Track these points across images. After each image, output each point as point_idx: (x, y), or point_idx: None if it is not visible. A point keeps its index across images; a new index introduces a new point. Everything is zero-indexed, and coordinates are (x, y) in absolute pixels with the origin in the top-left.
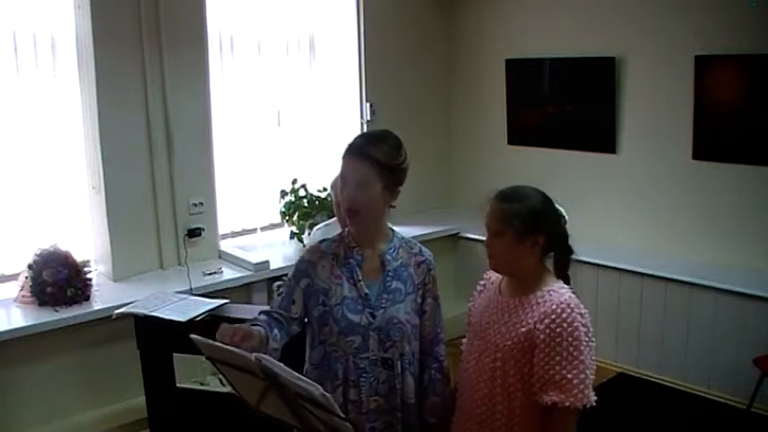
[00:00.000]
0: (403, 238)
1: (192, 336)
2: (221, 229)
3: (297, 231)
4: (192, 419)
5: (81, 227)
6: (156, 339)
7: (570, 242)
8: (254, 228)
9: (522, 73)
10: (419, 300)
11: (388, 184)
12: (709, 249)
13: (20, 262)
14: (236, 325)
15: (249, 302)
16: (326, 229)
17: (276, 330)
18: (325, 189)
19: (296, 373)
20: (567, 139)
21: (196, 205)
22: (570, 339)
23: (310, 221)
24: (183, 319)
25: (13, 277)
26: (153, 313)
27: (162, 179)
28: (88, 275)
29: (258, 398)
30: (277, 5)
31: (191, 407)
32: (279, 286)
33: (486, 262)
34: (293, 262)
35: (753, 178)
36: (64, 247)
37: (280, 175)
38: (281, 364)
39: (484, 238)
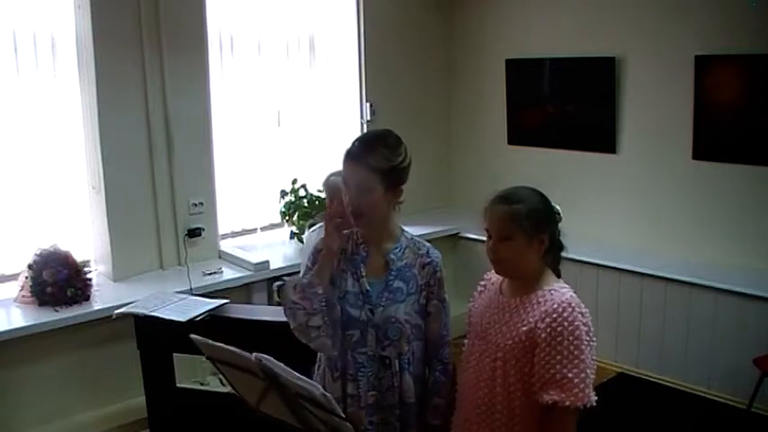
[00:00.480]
0: (412, 238)
1: (192, 336)
2: (221, 229)
3: (297, 231)
4: (192, 419)
5: (81, 227)
6: (156, 339)
7: (561, 238)
8: (254, 228)
9: (522, 73)
10: (423, 301)
11: (389, 185)
12: (709, 249)
13: (20, 262)
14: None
15: (249, 302)
16: (321, 229)
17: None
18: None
19: (296, 374)
20: (567, 139)
21: (196, 205)
22: (571, 338)
23: (310, 221)
24: (183, 319)
25: (13, 277)
26: (153, 313)
27: (162, 179)
28: (88, 275)
29: (258, 398)
30: (277, 5)
31: (191, 407)
32: (279, 286)
33: (488, 262)
34: (293, 262)
35: (753, 178)
36: (64, 247)
37: (280, 175)
38: (282, 365)
39: (484, 239)
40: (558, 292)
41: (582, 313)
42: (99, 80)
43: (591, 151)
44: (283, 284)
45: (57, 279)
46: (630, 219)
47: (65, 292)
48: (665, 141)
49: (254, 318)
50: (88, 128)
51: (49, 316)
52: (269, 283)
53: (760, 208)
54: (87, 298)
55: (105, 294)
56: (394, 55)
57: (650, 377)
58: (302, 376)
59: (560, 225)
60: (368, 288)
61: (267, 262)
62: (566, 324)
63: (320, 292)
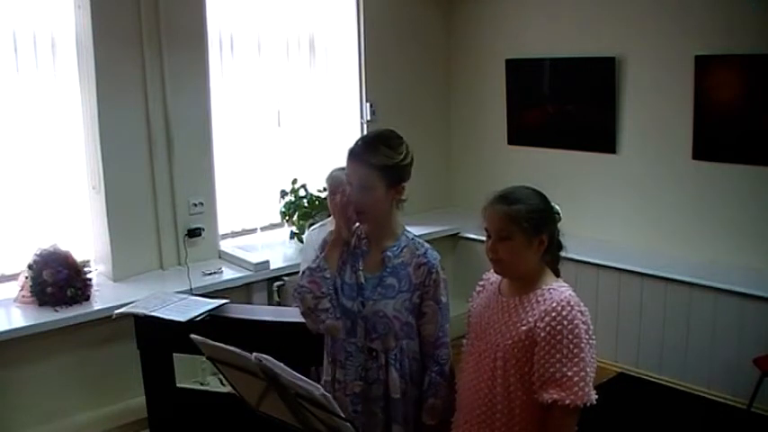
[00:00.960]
0: (413, 238)
1: (192, 336)
2: (221, 229)
3: (297, 231)
4: (192, 419)
5: (81, 227)
6: (156, 339)
7: (561, 237)
8: (254, 228)
9: (522, 73)
10: (416, 300)
11: (391, 183)
12: (710, 249)
13: (20, 262)
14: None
15: (249, 302)
16: (321, 229)
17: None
18: (325, 189)
19: (296, 374)
20: (567, 139)
21: (196, 205)
22: (571, 337)
23: (310, 221)
24: (183, 319)
25: (13, 277)
26: (153, 313)
27: (162, 179)
28: (88, 275)
29: (258, 398)
30: (277, 5)
31: (191, 407)
32: (279, 286)
33: (488, 262)
34: (293, 262)
35: (753, 178)
36: (64, 247)
37: (280, 175)
38: (282, 365)
39: (484, 239)
40: (557, 290)
41: (581, 312)
42: (99, 80)
43: (591, 151)
44: (283, 284)
45: (57, 279)
46: (630, 219)
47: (65, 292)
48: (665, 141)
49: (254, 318)
50: (88, 128)
51: (49, 316)
52: (269, 283)
53: (760, 208)
54: (87, 298)
55: (105, 294)
56: (394, 55)
57: (650, 377)
58: (302, 376)
59: (560, 225)
60: (363, 281)
61: (267, 262)
62: (565, 323)
63: (328, 276)
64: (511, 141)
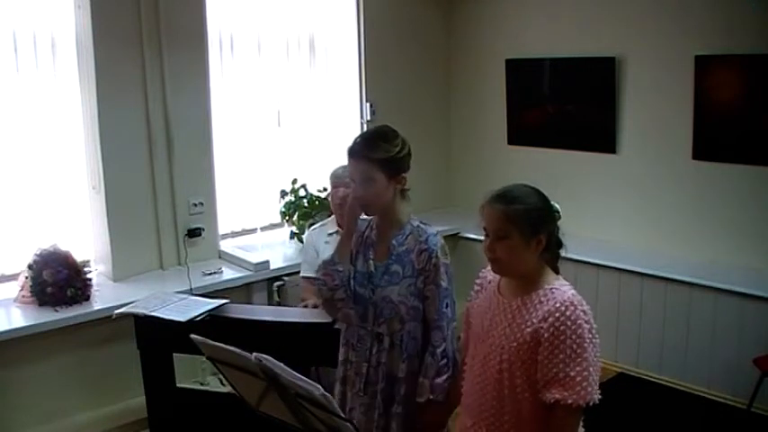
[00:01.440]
0: (418, 225)
1: (193, 336)
2: (221, 229)
3: (297, 231)
4: (192, 419)
5: (81, 227)
6: (156, 339)
7: (561, 236)
8: (254, 228)
9: (522, 73)
10: (420, 285)
11: (390, 174)
12: (710, 249)
13: (20, 262)
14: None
15: (249, 302)
16: (321, 228)
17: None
18: (325, 189)
19: (296, 374)
20: (567, 139)
21: (196, 205)
22: (574, 337)
23: (310, 221)
24: (182, 319)
25: (13, 277)
26: (153, 313)
27: (162, 179)
28: (88, 275)
29: (258, 398)
30: (277, 5)
31: (191, 407)
32: (279, 286)
33: (487, 262)
34: (293, 262)
35: (753, 178)
36: (64, 247)
37: (280, 175)
38: (282, 365)
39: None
40: (560, 290)
41: (584, 311)
42: (99, 80)
43: (591, 151)
44: (283, 284)
45: (57, 279)
46: (630, 219)
47: (65, 292)
48: (665, 141)
49: (254, 318)
50: (88, 128)
51: (49, 316)
52: (269, 283)
53: (760, 208)
54: (87, 298)
55: (105, 294)
56: (394, 55)
57: (650, 377)
58: (302, 376)
59: (560, 224)
60: (372, 270)
61: (267, 262)
62: (568, 323)
63: (341, 269)
64: (511, 141)
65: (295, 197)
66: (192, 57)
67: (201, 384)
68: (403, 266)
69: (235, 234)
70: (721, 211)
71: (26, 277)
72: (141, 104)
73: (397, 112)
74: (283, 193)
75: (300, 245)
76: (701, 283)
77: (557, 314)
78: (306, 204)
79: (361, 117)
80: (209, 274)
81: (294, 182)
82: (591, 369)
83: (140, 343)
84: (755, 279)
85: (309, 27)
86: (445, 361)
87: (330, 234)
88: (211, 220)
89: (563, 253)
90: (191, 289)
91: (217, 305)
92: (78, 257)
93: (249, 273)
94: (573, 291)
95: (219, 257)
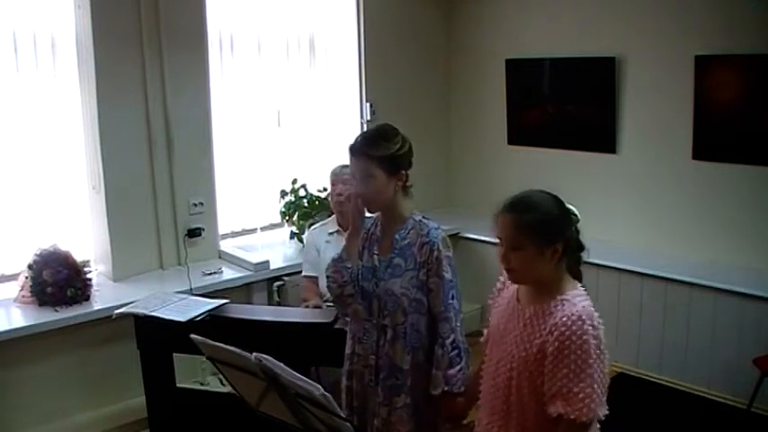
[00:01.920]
0: (421, 220)
1: (193, 336)
2: (221, 229)
3: (297, 231)
4: (192, 419)
5: (81, 227)
6: (156, 339)
7: (581, 237)
8: (254, 228)
9: (522, 73)
10: (423, 277)
11: (390, 171)
12: (710, 249)
13: (20, 262)
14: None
15: (249, 302)
16: (322, 228)
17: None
18: (325, 189)
19: (296, 374)
20: (567, 139)
21: (196, 205)
22: (579, 352)
23: (310, 221)
24: (182, 319)
25: (13, 277)
26: (153, 313)
27: (162, 179)
28: (88, 275)
29: (258, 398)
30: (277, 5)
31: (191, 407)
32: (279, 286)
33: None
34: (293, 262)
35: (753, 178)
36: (64, 247)
37: (280, 175)
38: (282, 365)
39: (484, 238)
40: (571, 302)
41: (592, 326)
42: (99, 80)
43: (591, 151)
44: (283, 284)
45: (57, 279)
46: (630, 219)
47: (65, 292)
48: (665, 141)
49: (254, 318)
50: (88, 128)
51: (49, 316)
52: (269, 283)
53: (760, 208)
54: (87, 298)
55: (105, 294)
56: (394, 55)
57: (650, 377)
58: (302, 376)
59: (578, 226)
60: (377, 264)
61: (267, 262)
62: (573, 338)
63: (349, 266)
64: (511, 141)
65: (295, 197)
66: (192, 57)
67: (201, 384)
68: (405, 260)
69: (235, 234)
70: (721, 211)
71: (26, 277)
72: (141, 104)
73: (397, 112)
74: (283, 193)
75: (300, 245)
76: (701, 283)
77: (562, 328)
78: (306, 204)
79: (361, 117)
80: (209, 274)
81: (294, 182)
82: (595, 386)
83: (140, 343)
84: (755, 279)
85: (309, 27)
86: (456, 351)
87: (330, 233)
88: (211, 220)
89: (585, 256)
90: (191, 289)
91: (217, 305)
92: (78, 257)
93: (249, 273)
94: (586, 302)
95: (219, 257)
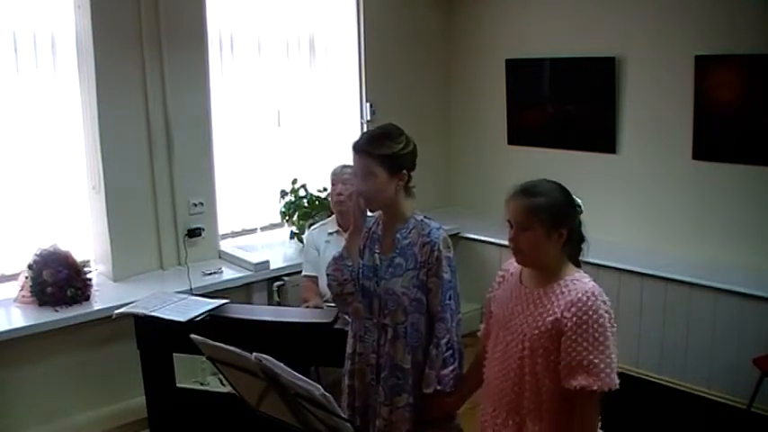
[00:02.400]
0: (422, 220)
1: (193, 336)
2: (221, 229)
3: (297, 231)
4: (192, 419)
5: (81, 227)
6: (156, 339)
7: (583, 229)
8: (254, 228)
9: (522, 73)
10: (423, 277)
11: (392, 171)
12: (710, 249)
13: (20, 262)
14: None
15: (249, 302)
16: (322, 228)
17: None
18: (325, 189)
19: (296, 374)
20: (567, 139)
21: (196, 205)
22: (596, 326)
23: (310, 221)
24: (182, 319)
25: (13, 277)
26: (153, 313)
27: (162, 179)
28: (88, 275)
29: (258, 398)
30: (277, 5)
31: (191, 407)
32: (279, 286)
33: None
34: (293, 262)
35: (753, 178)
36: (64, 247)
37: (280, 175)
38: (282, 365)
39: (484, 238)
40: (581, 281)
41: (604, 302)
42: (99, 80)
43: (591, 151)
44: (283, 284)
45: (57, 279)
46: (630, 219)
47: (65, 292)
48: (665, 141)
49: (254, 318)
50: (88, 128)
51: (49, 316)
52: (269, 283)
53: (760, 208)
54: (87, 298)
55: (105, 294)
56: (394, 55)
57: (650, 377)
58: (302, 376)
59: (582, 219)
60: (378, 263)
61: (267, 262)
62: (590, 313)
63: (350, 264)
64: (511, 141)
65: (295, 197)
66: (192, 57)
67: (201, 384)
68: (406, 259)
69: (235, 234)
70: (721, 211)
71: (26, 277)
72: (141, 104)
73: (397, 112)
74: (283, 193)
75: (300, 245)
76: (701, 283)
77: (579, 304)
78: (306, 204)
79: (361, 117)
80: (209, 274)
81: (294, 182)
82: (612, 356)
83: (140, 343)
84: (755, 279)
85: (309, 27)
86: (450, 352)
87: (330, 233)
88: (211, 220)
89: (585, 248)
90: (191, 289)
91: (217, 305)
92: (78, 257)
93: (249, 273)
94: (593, 282)
95: (219, 257)
